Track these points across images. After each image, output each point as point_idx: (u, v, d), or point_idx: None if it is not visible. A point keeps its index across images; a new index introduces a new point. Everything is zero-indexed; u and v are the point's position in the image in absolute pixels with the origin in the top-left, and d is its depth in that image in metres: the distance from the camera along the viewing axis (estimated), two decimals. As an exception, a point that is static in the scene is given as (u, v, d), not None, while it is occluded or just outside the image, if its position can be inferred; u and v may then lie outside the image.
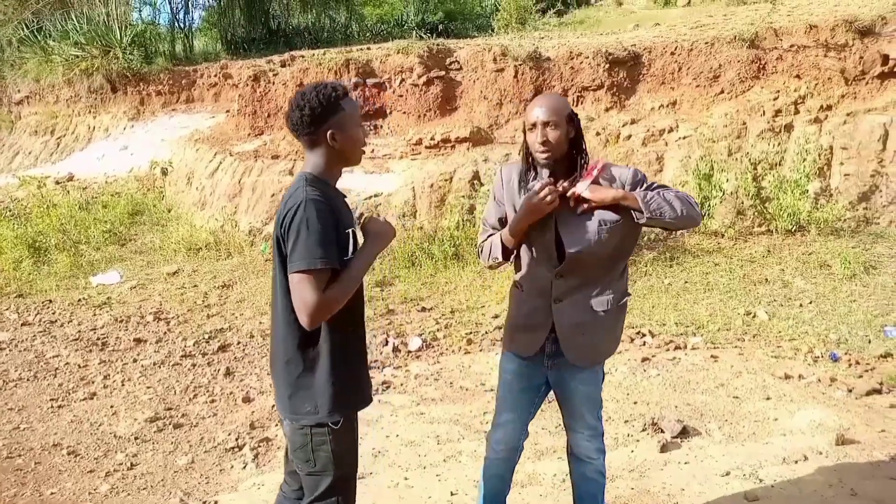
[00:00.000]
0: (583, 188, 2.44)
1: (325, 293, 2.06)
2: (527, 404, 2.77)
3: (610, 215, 2.46)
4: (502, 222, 2.65)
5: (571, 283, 2.53)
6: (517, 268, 2.67)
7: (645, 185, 2.50)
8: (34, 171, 11.23)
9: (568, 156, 2.51)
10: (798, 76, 8.46)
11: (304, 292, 2.05)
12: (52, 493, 3.64)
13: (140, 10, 16.92)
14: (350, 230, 2.21)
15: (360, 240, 2.31)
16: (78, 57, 12.92)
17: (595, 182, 2.46)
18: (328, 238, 2.07)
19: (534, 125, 2.46)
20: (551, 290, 2.54)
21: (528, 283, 2.62)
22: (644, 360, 5.16)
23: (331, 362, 2.18)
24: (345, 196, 2.38)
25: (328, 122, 2.19)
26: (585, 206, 2.45)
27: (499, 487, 2.92)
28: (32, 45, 13.94)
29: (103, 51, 12.82)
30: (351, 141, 2.25)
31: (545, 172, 2.53)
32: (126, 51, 12.81)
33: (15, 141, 13.81)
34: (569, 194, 2.45)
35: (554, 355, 2.62)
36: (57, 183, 10.52)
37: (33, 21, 14.68)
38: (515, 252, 2.64)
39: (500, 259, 2.59)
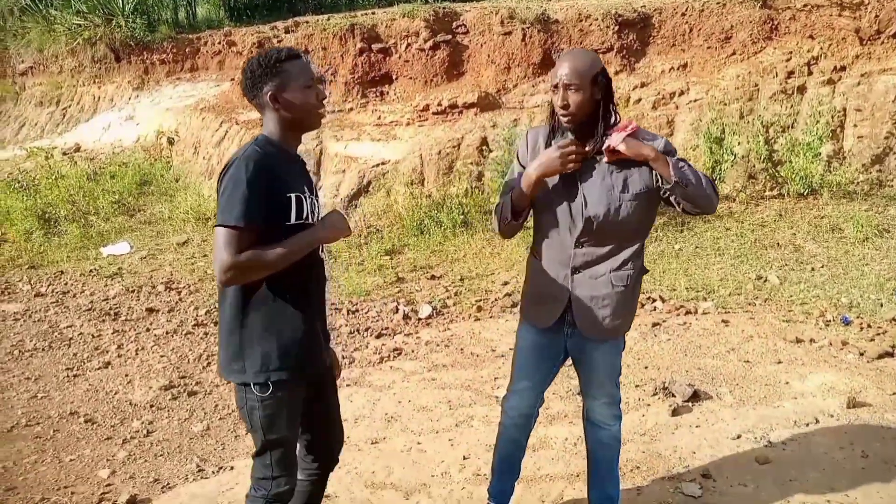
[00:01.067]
0: (617, 140, 2.35)
1: (240, 255, 2.03)
2: (544, 372, 2.75)
3: (635, 183, 2.41)
4: None
5: (591, 254, 2.48)
6: (536, 235, 2.60)
7: (673, 153, 2.43)
8: (41, 143, 11.22)
9: (594, 118, 2.40)
10: (811, 36, 8.30)
11: (217, 247, 2.04)
12: (70, 460, 3.70)
13: (141, -23, 16.65)
14: (293, 194, 2.16)
15: (315, 208, 2.29)
16: (80, 26, 12.78)
17: (630, 136, 2.37)
18: (253, 197, 2.04)
19: (556, 86, 2.36)
20: (570, 259, 2.50)
21: (548, 252, 2.55)
22: (655, 324, 5.16)
23: (262, 326, 2.19)
24: (303, 162, 2.35)
25: (268, 84, 2.16)
26: (615, 157, 2.37)
27: (513, 453, 2.91)
28: (34, 14, 13.79)
29: (106, 19, 12.67)
30: (294, 104, 2.18)
31: (569, 135, 2.46)
32: (128, 19, 12.65)
33: (20, 112, 13.75)
34: (604, 147, 2.38)
35: (574, 324, 2.58)
36: (64, 154, 10.51)
37: (35, -10, 14.51)
38: (530, 215, 2.57)
39: (510, 219, 2.49)
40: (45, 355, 5.10)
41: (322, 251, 2.36)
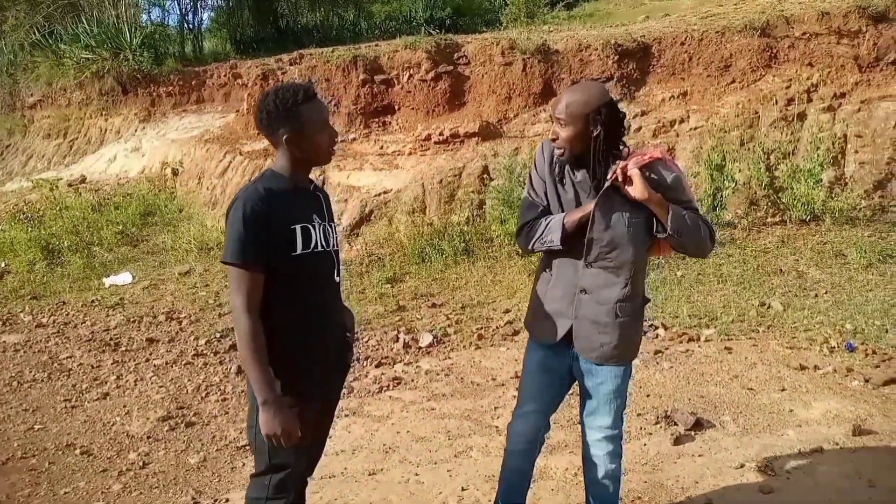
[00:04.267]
0: (632, 166, 2.36)
1: (248, 318, 2.14)
2: (551, 396, 2.71)
3: (639, 211, 2.43)
4: (546, 197, 2.58)
5: (599, 278, 2.48)
6: (549, 252, 2.59)
7: (679, 195, 2.44)
8: (47, 174, 11.31)
9: (591, 153, 2.42)
10: (811, 64, 8.36)
11: (230, 287, 2.19)
12: (65, 493, 3.66)
13: (149, 12, 17.00)
14: (298, 226, 2.22)
15: (330, 235, 2.35)
16: (89, 60, 12.98)
17: (641, 169, 2.37)
18: (249, 237, 2.14)
19: (551, 117, 2.44)
20: (579, 280, 2.50)
21: (559, 269, 2.56)
22: (657, 352, 5.11)
23: (271, 351, 2.21)
24: (315, 192, 2.40)
25: (283, 127, 2.22)
26: (619, 182, 2.37)
27: (518, 482, 2.83)
28: (44, 48, 14.02)
29: (113, 53, 12.88)
30: (309, 146, 2.27)
31: (580, 174, 2.48)
32: (136, 53, 12.86)
33: (28, 144, 13.90)
34: (620, 166, 2.37)
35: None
36: (69, 185, 10.59)
37: (44, 25, 14.77)
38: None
39: (557, 245, 2.48)
40: (43, 386, 5.07)
41: (338, 275, 2.41)
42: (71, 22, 14.12)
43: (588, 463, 2.73)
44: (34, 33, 14.54)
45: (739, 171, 7.40)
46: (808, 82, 8.21)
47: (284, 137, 2.22)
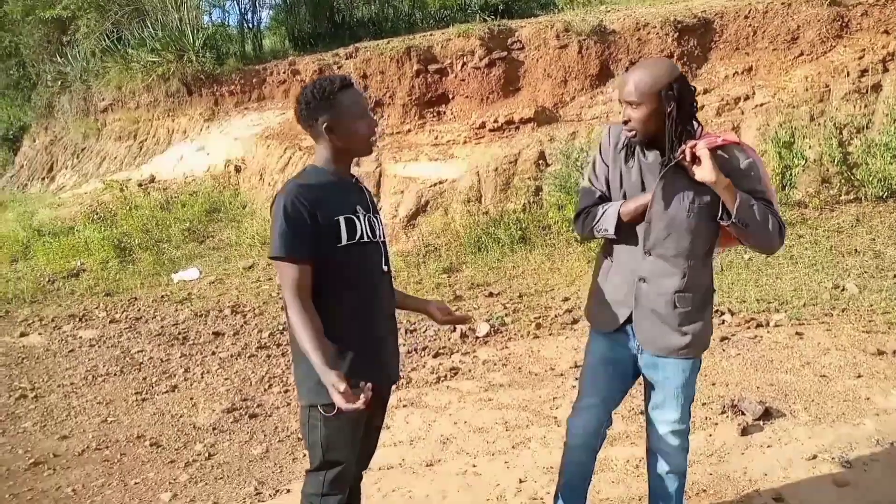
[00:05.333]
0: (702, 146, 2.24)
1: (303, 308, 2.15)
2: (614, 389, 2.62)
3: (702, 198, 2.32)
4: (607, 183, 2.51)
5: (659, 267, 2.40)
6: (609, 239, 2.52)
7: (753, 184, 2.31)
8: (119, 175, 11.76)
9: (665, 132, 2.31)
10: (886, 31, 7.90)
11: (280, 280, 2.22)
12: (135, 483, 3.79)
13: (210, 13, 17.36)
14: (342, 217, 2.23)
15: (376, 226, 2.34)
16: (155, 63, 13.39)
17: (714, 150, 2.25)
18: (291, 231, 2.16)
19: (620, 101, 2.32)
20: (639, 267, 2.43)
21: (619, 256, 2.50)
22: (723, 339, 4.94)
23: None
24: (358, 183, 2.41)
25: (322, 116, 2.23)
26: (687, 161, 2.26)
27: (579, 476, 2.75)
28: (114, 54, 14.53)
29: (178, 55, 13.22)
30: (348, 134, 2.27)
31: (652, 155, 2.38)
32: (199, 54, 13.17)
33: (101, 147, 14.47)
34: (689, 145, 2.26)
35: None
36: (139, 185, 10.98)
37: (113, 31, 15.29)
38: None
39: (611, 234, 2.42)
40: (116, 380, 5.28)
41: (386, 264, 2.41)
42: (137, 27, 14.55)
43: (653, 457, 2.66)
44: (104, 40, 15.07)
45: (809, 147, 7.07)
46: (884, 51, 7.75)
47: (324, 125, 2.23)
